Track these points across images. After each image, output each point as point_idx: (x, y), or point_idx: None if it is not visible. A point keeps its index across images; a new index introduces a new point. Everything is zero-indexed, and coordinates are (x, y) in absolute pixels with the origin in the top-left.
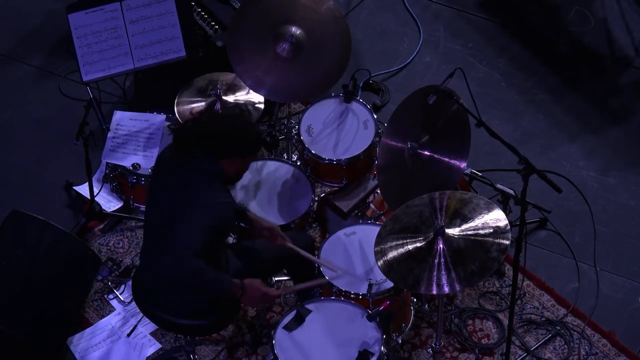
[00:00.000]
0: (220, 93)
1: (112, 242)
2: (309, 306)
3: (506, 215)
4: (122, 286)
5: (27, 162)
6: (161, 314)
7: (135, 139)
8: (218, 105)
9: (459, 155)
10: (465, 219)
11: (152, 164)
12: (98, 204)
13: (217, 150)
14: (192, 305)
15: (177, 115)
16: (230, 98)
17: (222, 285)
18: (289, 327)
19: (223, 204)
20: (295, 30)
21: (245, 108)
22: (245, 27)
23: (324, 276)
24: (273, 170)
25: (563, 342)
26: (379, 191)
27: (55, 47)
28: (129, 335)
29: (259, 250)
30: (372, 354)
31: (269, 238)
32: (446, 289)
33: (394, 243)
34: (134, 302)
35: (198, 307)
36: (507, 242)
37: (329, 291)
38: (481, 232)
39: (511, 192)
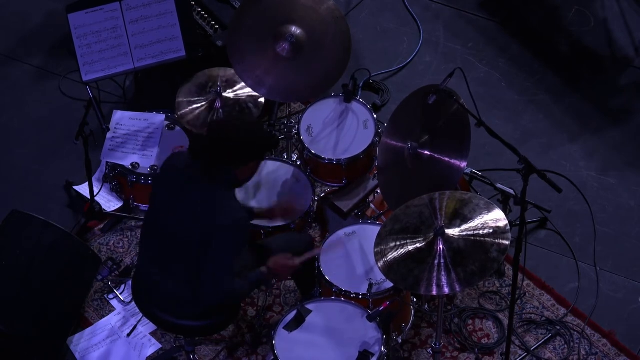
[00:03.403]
0: (220, 90)
1: (112, 242)
2: (310, 306)
3: (506, 215)
4: (122, 286)
5: (27, 162)
6: (162, 314)
7: (135, 139)
8: (218, 103)
9: (459, 155)
10: (465, 220)
11: (152, 163)
12: (98, 204)
13: (234, 160)
14: (194, 308)
15: (176, 110)
16: (230, 94)
17: (257, 284)
18: (289, 327)
19: (242, 216)
20: (295, 30)
21: (245, 105)
22: (245, 27)
23: (324, 276)
24: (273, 170)
25: (563, 342)
26: (379, 191)
27: (55, 47)
28: (129, 335)
29: (259, 255)
30: (373, 354)
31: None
32: (446, 290)
33: (394, 244)
34: (133, 302)
35: (200, 309)
36: (507, 243)
37: (329, 291)
38: (481, 232)
39: (511, 192)
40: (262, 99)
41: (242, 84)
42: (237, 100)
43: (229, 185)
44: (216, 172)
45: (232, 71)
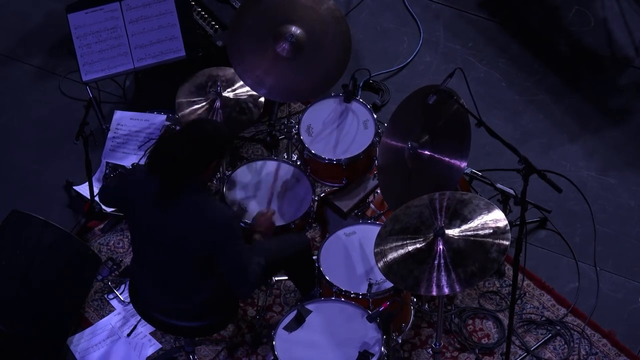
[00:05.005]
0: (220, 90)
1: (112, 242)
2: (310, 306)
3: (506, 215)
4: (122, 286)
5: (27, 162)
6: (160, 317)
7: (136, 139)
8: (218, 103)
9: (459, 155)
10: (465, 220)
11: None
12: (98, 204)
13: (199, 167)
14: (193, 310)
15: (177, 111)
16: (230, 94)
17: (263, 252)
18: (289, 328)
19: (230, 211)
20: (295, 30)
21: (245, 105)
22: (245, 27)
23: (324, 276)
24: (273, 170)
25: (563, 342)
26: (379, 191)
27: (55, 47)
28: (129, 335)
29: None
30: (373, 355)
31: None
32: (446, 290)
33: (394, 244)
34: None
35: (199, 310)
36: (507, 243)
37: (329, 291)
38: (481, 232)
39: (511, 192)
40: (262, 99)
41: (242, 83)
42: (237, 100)
43: (202, 188)
44: (186, 183)
45: (232, 70)
